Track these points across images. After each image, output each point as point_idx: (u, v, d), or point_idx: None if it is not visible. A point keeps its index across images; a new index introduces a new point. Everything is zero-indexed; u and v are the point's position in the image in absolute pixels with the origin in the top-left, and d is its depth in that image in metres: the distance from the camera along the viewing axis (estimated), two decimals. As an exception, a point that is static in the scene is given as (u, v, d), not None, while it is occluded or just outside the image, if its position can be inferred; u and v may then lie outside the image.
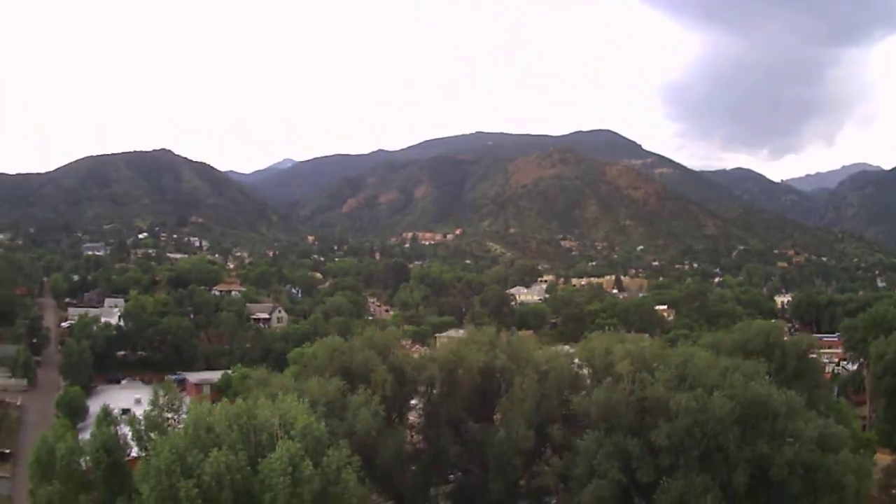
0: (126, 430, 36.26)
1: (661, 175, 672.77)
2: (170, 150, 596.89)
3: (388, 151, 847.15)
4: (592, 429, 41.80)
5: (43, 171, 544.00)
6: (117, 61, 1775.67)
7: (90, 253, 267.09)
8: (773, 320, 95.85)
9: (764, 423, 41.42)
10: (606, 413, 42.02)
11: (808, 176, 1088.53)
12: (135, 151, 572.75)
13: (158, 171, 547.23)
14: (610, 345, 46.00)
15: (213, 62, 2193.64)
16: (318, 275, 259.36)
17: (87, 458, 35.40)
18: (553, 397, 44.36)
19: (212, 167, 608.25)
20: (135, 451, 36.19)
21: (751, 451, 40.94)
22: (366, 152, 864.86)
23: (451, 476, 48.27)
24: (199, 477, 30.42)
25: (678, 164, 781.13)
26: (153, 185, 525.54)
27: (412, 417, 47.79)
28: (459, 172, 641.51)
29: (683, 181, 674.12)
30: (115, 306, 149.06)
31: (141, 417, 36.09)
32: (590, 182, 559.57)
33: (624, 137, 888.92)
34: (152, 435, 35.01)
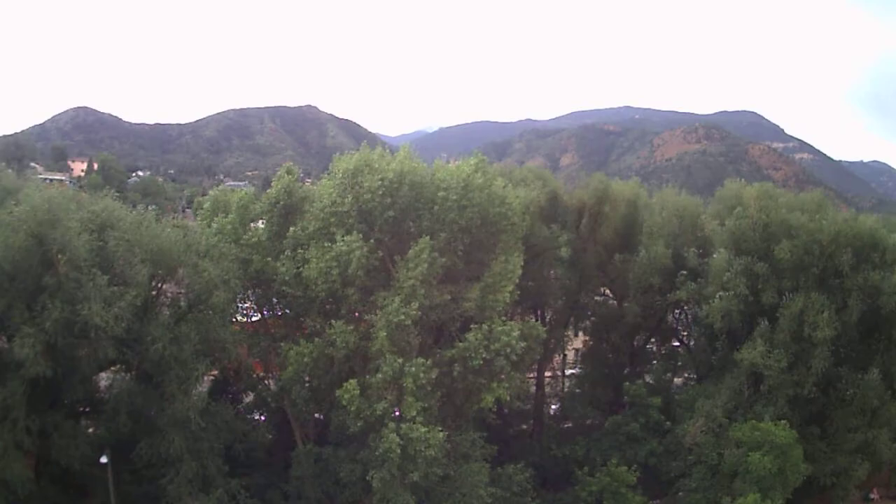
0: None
1: (801, 160, 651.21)
2: (315, 107, 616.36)
3: (535, 121, 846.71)
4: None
5: (183, 121, 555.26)
6: (263, 15, 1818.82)
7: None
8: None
9: (874, 254, 46.67)
10: (735, 238, 48.17)
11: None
12: (279, 106, 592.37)
13: (303, 126, 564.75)
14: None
15: (362, 23, 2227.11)
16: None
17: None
18: (688, 227, 50.99)
19: (358, 125, 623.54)
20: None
21: (863, 279, 46.24)
22: (513, 121, 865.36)
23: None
24: (383, 177, 39.58)
25: (818, 150, 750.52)
26: (297, 140, 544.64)
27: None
28: (605, 143, 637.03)
29: (822, 167, 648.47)
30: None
31: None
32: (732, 160, 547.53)
33: (767, 120, 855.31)
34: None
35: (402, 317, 38.81)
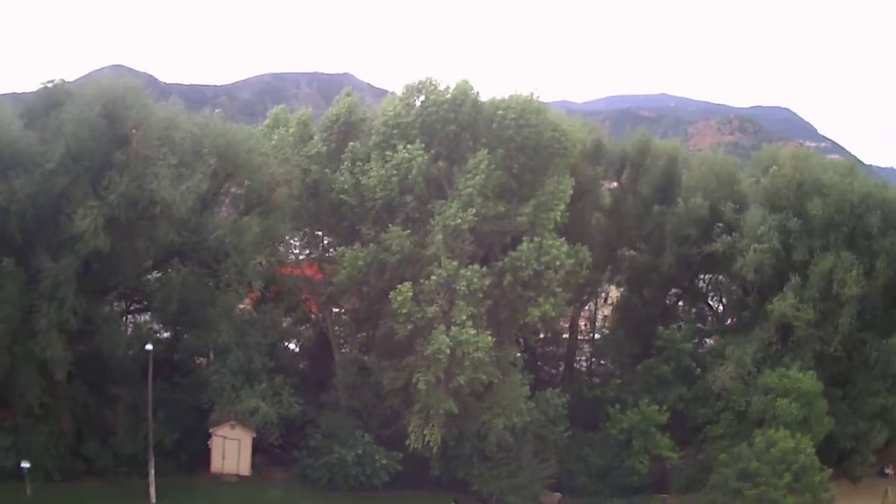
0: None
1: (832, 161, 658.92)
2: (352, 75, 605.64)
3: (571, 102, 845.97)
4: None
5: (219, 83, 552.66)
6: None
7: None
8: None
9: None
10: (770, 195, 49.83)
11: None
12: (316, 72, 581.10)
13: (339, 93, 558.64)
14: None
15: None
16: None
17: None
18: (725, 183, 52.68)
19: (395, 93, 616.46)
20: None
21: (890, 243, 47.87)
22: (549, 101, 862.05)
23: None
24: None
25: (850, 152, 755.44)
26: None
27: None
28: (640, 128, 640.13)
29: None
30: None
31: None
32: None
33: (801, 118, 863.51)
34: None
35: (459, 220, 40.15)
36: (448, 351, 39.22)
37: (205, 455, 47.36)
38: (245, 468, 47.31)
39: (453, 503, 44.58)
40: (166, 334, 43.59)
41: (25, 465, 40.30)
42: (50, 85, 38.83)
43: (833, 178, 48.68)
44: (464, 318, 39.93)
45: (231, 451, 46.62)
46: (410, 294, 40.49)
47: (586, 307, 58.10)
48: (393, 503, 45.04)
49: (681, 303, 58.01)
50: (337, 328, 46.84)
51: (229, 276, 39.19)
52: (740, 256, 48.80)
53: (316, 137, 45.75)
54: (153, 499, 42.43)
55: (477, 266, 40.49)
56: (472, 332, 39.52)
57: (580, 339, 58.49)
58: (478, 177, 40.70)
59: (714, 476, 41.65)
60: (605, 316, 60.56)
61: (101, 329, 39.41)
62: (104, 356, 46.47)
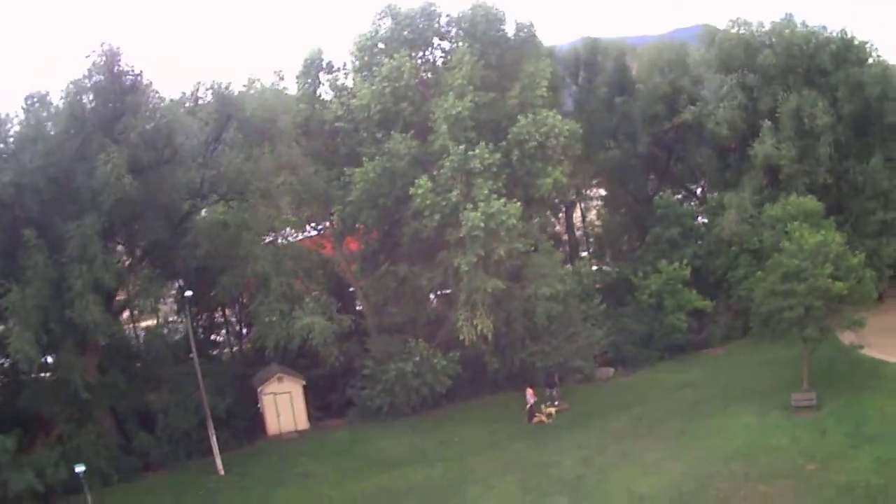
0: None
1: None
2: None
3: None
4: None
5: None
6: None
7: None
8: None
9: (849, 54, 50.63)
10: (723, 59, 52.08)
11: None
12: None
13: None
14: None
15: None
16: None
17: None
18: (678, 62, 55.96)
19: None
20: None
21: (845, 75, 49.59)
22: None
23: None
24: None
25: None
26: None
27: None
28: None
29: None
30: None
31: None
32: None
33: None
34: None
35: (459, 108, 42.01)
36: (482, 225, 40.35)
37: (258, 421, 46.82)
38: (302, 422, 46.76)
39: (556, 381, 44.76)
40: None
41: (80, 468, 38.89)
42: None
43: (776, 27, 52.30)
44: (486, 192, 41.29)
45: (284, 406, 46.14)
46: (429, 185, 41.73)
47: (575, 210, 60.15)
48: (462, 416, 44.95)
49: (662, 188, 60.14)
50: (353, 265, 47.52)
51: (254, 199, 39.80)
52: (710, 119, 51.69)
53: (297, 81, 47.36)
54: (221, 470, 41.52)
55: (483, 144, 42.17)
56: (500, 202, 40.90)
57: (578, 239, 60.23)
58: (464, 68, 42.82)
59: (758, 289, 42.01)
60: (595, 219, 62.52)
61: (136, 283, 39.25)
62: (130, 343, 46.38)
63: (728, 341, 49.93)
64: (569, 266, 48.01)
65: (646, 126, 54.28)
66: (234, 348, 54.34)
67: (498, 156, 42.30)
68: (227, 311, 53.77)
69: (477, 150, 41.65)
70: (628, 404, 43.15)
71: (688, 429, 38.29)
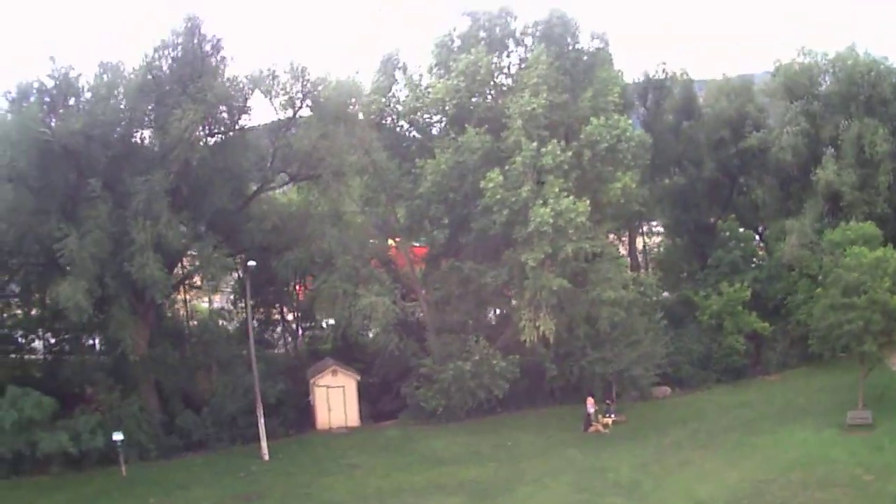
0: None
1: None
2: None
3: None
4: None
5: None
6: None
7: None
8: None
9: None
10: (787, 87, 52.18)
11: None
12: None
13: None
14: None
15: None
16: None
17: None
18: (743, 91, 56.00)
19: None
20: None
21: None
22: None
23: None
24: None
25: None
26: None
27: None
28: None
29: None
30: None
31: None
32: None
33: None
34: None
35: (534, 105, 42.04)
36: (550, 221, 39.96)
37: (308, 414, 45.93)
38: (353, 418, 45.91)
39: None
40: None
41: (118, 436, 38.10)
42: None
43: (839, 56, 52.71)
44: (556, 190, 40.99)
45: (336, 400, 45.39)
46: (501, 178, 41.49)
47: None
48: (517, 423, 43.99)
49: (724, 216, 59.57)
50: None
51: (327, 176, 39.70)
52: (774, 145, 51.75)
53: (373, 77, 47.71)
54: (266, 455, 40.55)
55: (555, 141, 42.07)
56: (569, 199, 40.58)
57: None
58: (539, 67, 43.00)
59: (818, 306, 41.44)
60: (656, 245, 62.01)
61: (199, 248, 39.04)
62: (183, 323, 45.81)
63: (784, 368, 49.23)
64: (632, 273, 47.07)
65: (710, 151, 54.20)
66: (290, 346, 53.58)
67: (569, 154, 42.09)
68: (285, 309, 53.14)
69: (549, 147, 41.47)
70: (685, 419, 42.65)
71: (745, 441, 37.91)
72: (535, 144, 41.64)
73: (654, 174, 54.94)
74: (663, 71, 56.05)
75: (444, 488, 35.74)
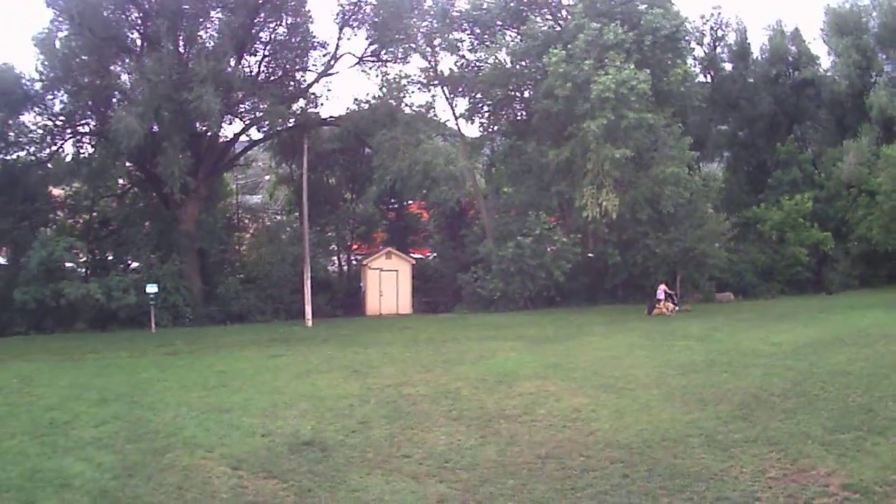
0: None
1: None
2: None
3: None
4: None
5: None
6: None
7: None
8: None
9: None
10: (835, 23, 53.30)
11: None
12: None
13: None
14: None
15: None
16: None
17: None
18: (792, 32, 56.67)
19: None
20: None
21: None
22: None
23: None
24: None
25: None
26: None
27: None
28: None
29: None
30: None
31: None
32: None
33: None
34: None
35: (595, -11, 42.74)
36: (613, 87, 39.75)
37: (359, 300, 44.65)
38: (406, 305, 44.58)
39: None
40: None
41: (152, 288, 36.90)
42: None
43: (882, -1, 53.57)
44: (618, 63, 40.97)
45: (389, 286, 44.09)
46: (563, 53, 41.60)
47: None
48: (578, 313, 42.16)
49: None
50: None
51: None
52: (827, 77, 52.18)
53: None
54: (309, 322, 39.14)
55: (618, 22, 42.38)
56: (631, 69, 40.48)
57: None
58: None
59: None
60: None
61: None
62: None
63: (846, 289, 48.01)
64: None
65: (767, 87, 54.39)
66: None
67: (632, 34, 42.29)
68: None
69: (611, 27, 41.78)
70: (752, 308, 41.39)
71: (818, 317, 36.60)
72: (597, 25, 41.95)
73: (712, 118, 54.89)
74: (718, 15, 56.63)
75: (502, 341, 34.32)
